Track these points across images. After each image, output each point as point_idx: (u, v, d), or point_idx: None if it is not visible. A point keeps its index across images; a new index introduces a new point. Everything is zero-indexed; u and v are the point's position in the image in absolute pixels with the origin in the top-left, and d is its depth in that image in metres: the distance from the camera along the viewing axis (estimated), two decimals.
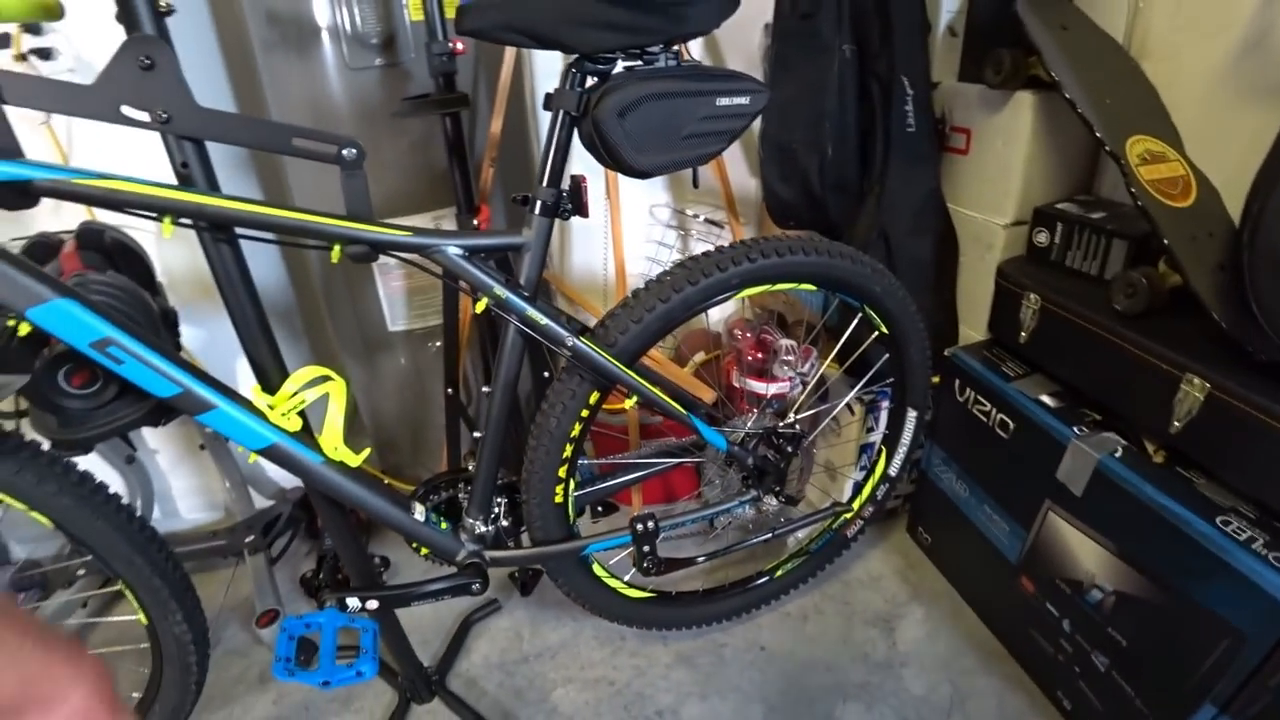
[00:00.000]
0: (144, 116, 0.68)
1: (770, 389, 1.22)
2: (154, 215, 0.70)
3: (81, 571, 1.34)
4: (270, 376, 0.83)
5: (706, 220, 1.32)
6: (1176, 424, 0.88)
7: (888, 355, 1.12)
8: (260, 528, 1.34)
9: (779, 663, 1.21)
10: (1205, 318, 0.85)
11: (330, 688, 0.88)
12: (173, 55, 0.67)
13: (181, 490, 1.51)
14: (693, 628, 1.22)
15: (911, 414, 1.17)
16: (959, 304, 1.28)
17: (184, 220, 0.71)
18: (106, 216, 1.09)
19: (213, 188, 0.74)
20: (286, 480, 1.46)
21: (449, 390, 1.23)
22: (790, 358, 1.20)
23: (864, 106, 1.17)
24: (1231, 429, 0.81)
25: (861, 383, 1.16)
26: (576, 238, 1.49)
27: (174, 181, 0.71)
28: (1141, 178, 0.92)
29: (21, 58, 1.16)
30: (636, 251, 1.38)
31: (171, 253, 1.26)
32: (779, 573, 1.24)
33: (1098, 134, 0.94)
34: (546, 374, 1.31)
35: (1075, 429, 0.98)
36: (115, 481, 1.38)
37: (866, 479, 1.24)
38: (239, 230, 0.75)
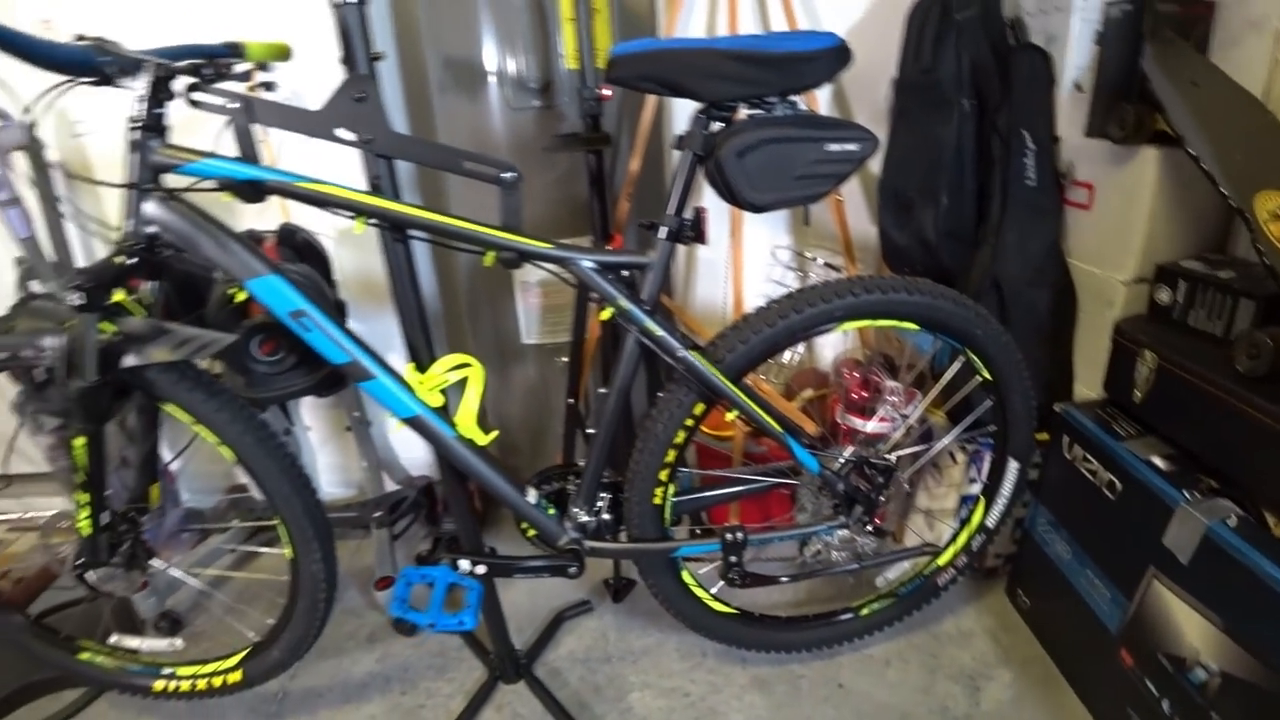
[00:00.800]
0: (352, 137, 0.87)
1: (870, 426, 1.26)
2: (351, 214, 0.88)
3: (235, 520, 1.57)
4: (422, 358, 0.99)
5: (825, 264, 1.40)
6: None
7: (990, 403, 1.14)
8: (388, 506, 1.52)
9: (854, 702, 1.22)
10: None
11: (435, 630, 1.01)
12: (379, 91, 0.86)
13: (324, 466, 1.73)
14: (772, 652, 1.26)
15: (1013, 465, 1.17)
16: (1075, 359, 1.27)
17: (372, 221, 0.89)
18: (301, 219, 1.33)
19: (396, 196, 0.91)
20: (414, 468, 1.65)
21: (570, 400, 1.36)
22: (894, 398, 1.25)
23: (982, 158, 1.22)
24: None
25: (960, 427, 1.18)
26: (701, 272, 1.61)
27: (364, 188, 0.89)
28: (1271, 234, 0.92)
29: (253, 88, 1.44)
30: (755, 289, 1.48)
31: (344, 255, 1.49)
32: (864, 611, 1.26)
33: (1222, 189, 0.94)
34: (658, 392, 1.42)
35: (1186, 493, 0.97)
36: None
37: (961, 527, 1.24)
38: (410, 231, 0.92)
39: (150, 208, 0.87)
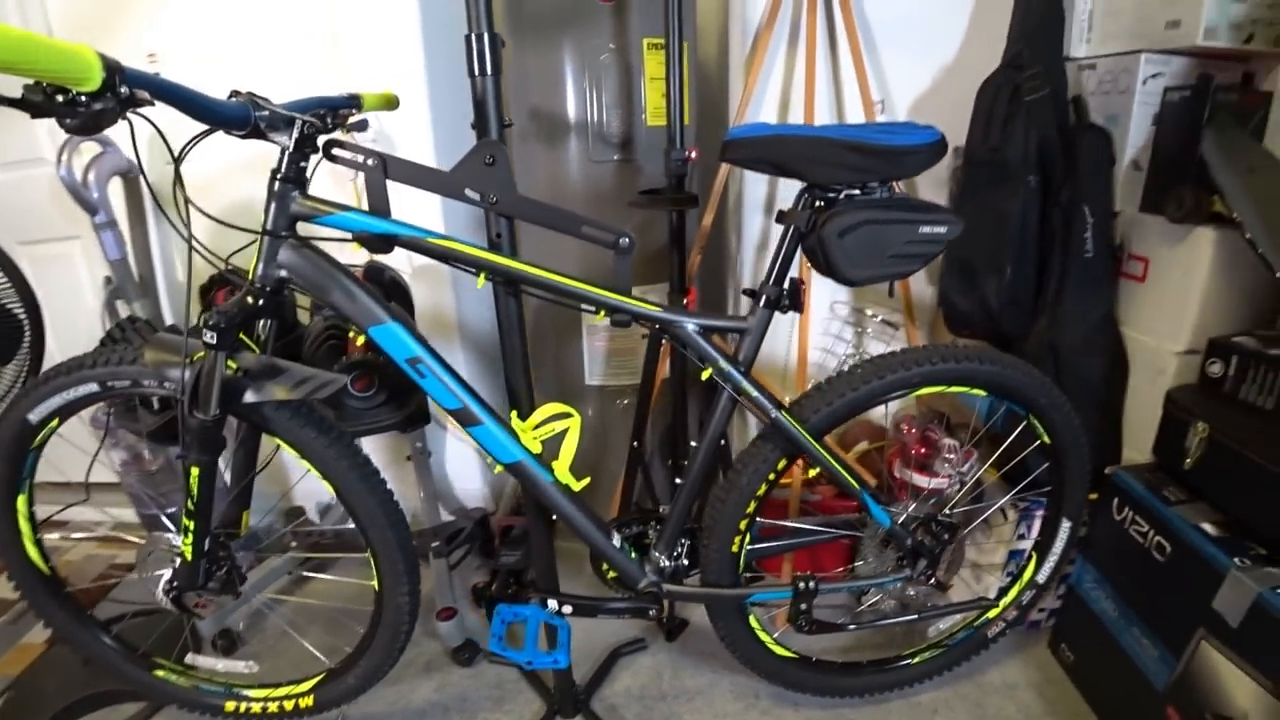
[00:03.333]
0: (477, 198, 0.95)
1: (930, 483, 1.35)
2: (473, 270, 0.97)
3: (294, 543, 1.65)
4: (523, 406, 1.08)
5: (883, 320, 1.50)
6: None
7: (1047, 465, 1.24)
8: (445, 536, 1.59)
9: None
10: None
11: (532, 667, 1.08)
12: (507, 155, 0.95)
13: None
14: (826, 696, 1.34)
15: (1065, 524, 1.27)
16: (1125, 424, 1.37)
17: (494, 277, 0.98)
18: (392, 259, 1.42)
19: (514, 253, 1.00)
20: (469, 500, 1.73)
21: (635, 443, 1.45)
22: (953, 456, 1.34)
23: (1043, 231, 1.32)
24: None
25: (1019, 487, 1.27)
26: None
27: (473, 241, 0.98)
28: None
29: (348, 130, 1.55)
30: (814, 343, 1.58)
31: (419, 293, 1.58)
32: (915, 660, 1.34)
33: (1278, 274, 1.05)
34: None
35: (1236, 559, 1.06)
36: None
37: (1013, 582, 1.33)
38: (525, 288, 1.01)
39: (286, 255, 0.96)
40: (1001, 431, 1.30)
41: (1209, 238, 1.20)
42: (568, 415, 1.04)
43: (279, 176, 0.94)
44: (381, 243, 0.96)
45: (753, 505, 1.11)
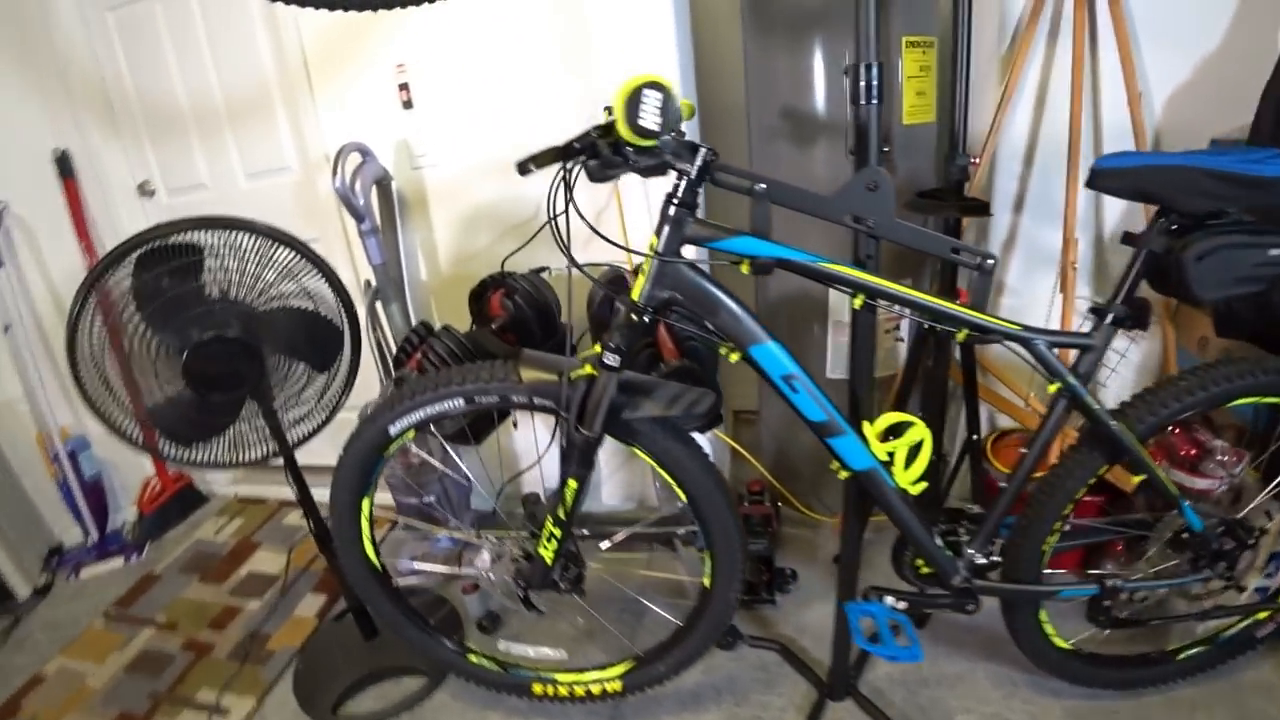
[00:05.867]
0: (856, 223, 1.04)
1: (1199, 484, 1.43)
2: (849, 290, 1.07)
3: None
4: (868, 414, 1.18)
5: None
6: None
7: None
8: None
9: None
10: None
11: (897, 660, 1.21)
12: (890, 182, 1.04)
13: (607, 479, 1.95)
14: (1092, 687, 1.44)
15: None
16: None
17: (868, 296, 1.07)
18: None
19: (878, 273, 1.09)
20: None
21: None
22: (1224, 458, 1.42)
23: None
24: None
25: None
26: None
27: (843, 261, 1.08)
28: None
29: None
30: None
31: None
32: (1180, 656, 1.43)
33: None
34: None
35: None
36: None
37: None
38: (882, 303, 1.10)
39: (676, 277, 1.05)
40: (1264, 432, 1.37)
41: None
42: (911, 424, 1.14)
43: (676, 202, 1.02)
44: (769, 266, 1.05)
45: (1070, 507, 1.21)
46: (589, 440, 1.12)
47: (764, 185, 1.03)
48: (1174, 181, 1.02)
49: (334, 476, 1.30)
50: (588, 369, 1.11)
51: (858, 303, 1.08)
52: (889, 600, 1.24)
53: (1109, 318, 1.11)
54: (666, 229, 1.04)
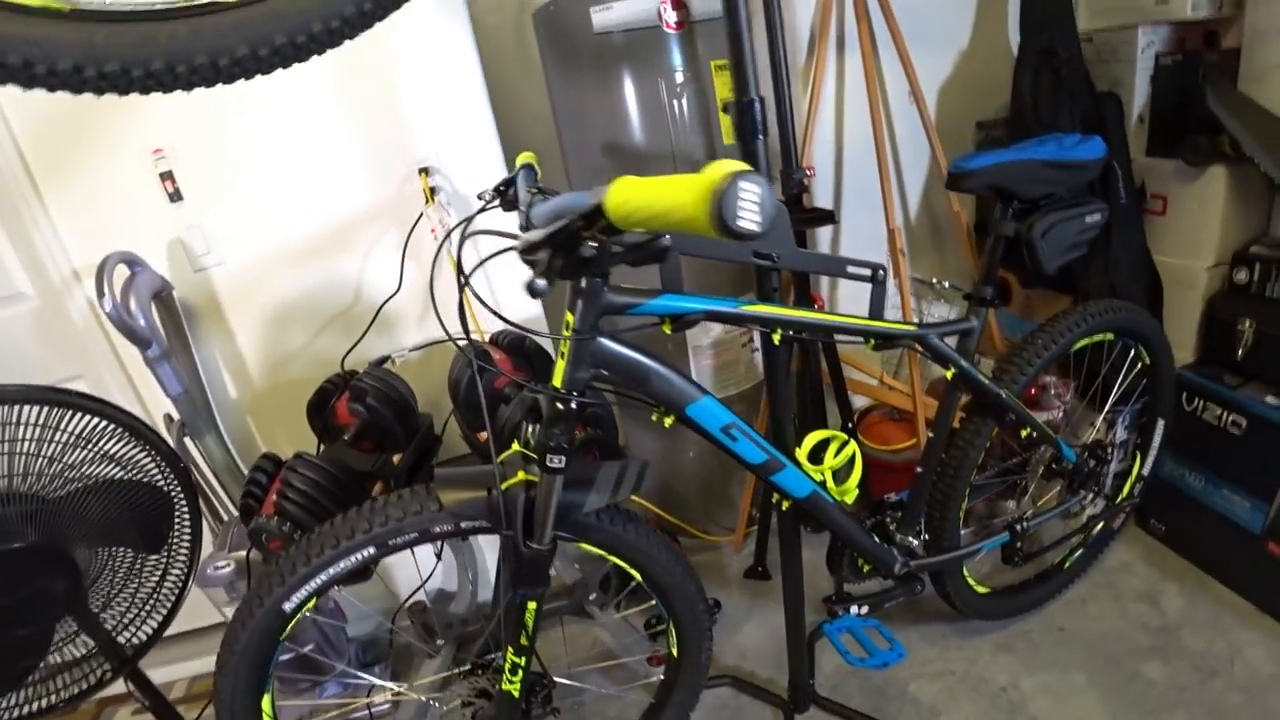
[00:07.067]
0: (760, 258, 1.04)
1: (1042, 416, 1.65)
2: (768, 329, 1.08)
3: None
4: (792, 441, 1.20)
5: (951, 285, 1.76)
6: None
7: (1146, 380, 1.56)
8: (599, 584, 1.65)
9: (1079, 639, 1.61)
10: None
11: (888, 666, 1.25)
12: (786, 212, 1.06)
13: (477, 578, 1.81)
14: (1011, 617, 1.61)
15: (1160, 423, 1.61)
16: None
17: (785, 329, 1.08)
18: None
19: (784, 303, 1.11)
20: None
21: None
22: (1057, 391, 1.64)
23: (1090, 188, 1.64)
24: None
25: (1133, 401, 1.59)
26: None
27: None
28: None
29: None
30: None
31: None
32: (1067, 565, 1.65)
33: None
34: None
35: None
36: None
37: (1125, 480, 1.67)
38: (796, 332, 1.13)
39: (609, 350, 0.97)
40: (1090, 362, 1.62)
41: (1221, 173, 1.57)
42: (833, 439, 1.18)
43: (592, 272, 0.91)
44: (694, 321, 1.01)
45: (975, 474, 1.33)
46: (541, 554, 1.01)
47: (668, 236, 0.99)
48: (1019, 174, 1.15)
49: (217, 682, 1.05)
50: (521, 476, 1.00)
51: (778, 338, 1.09)
52: (854, 610, 1.28)
53: (980, 300, 1.22)
54: (581, 303, 0.94)
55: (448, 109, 1.56)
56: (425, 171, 1.55)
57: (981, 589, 1.53)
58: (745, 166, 0.54)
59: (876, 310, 1.15)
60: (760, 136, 1.03)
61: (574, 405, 0.96)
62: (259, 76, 0.59)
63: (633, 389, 1.02)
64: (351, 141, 1.54)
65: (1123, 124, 1.67)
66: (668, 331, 1.03)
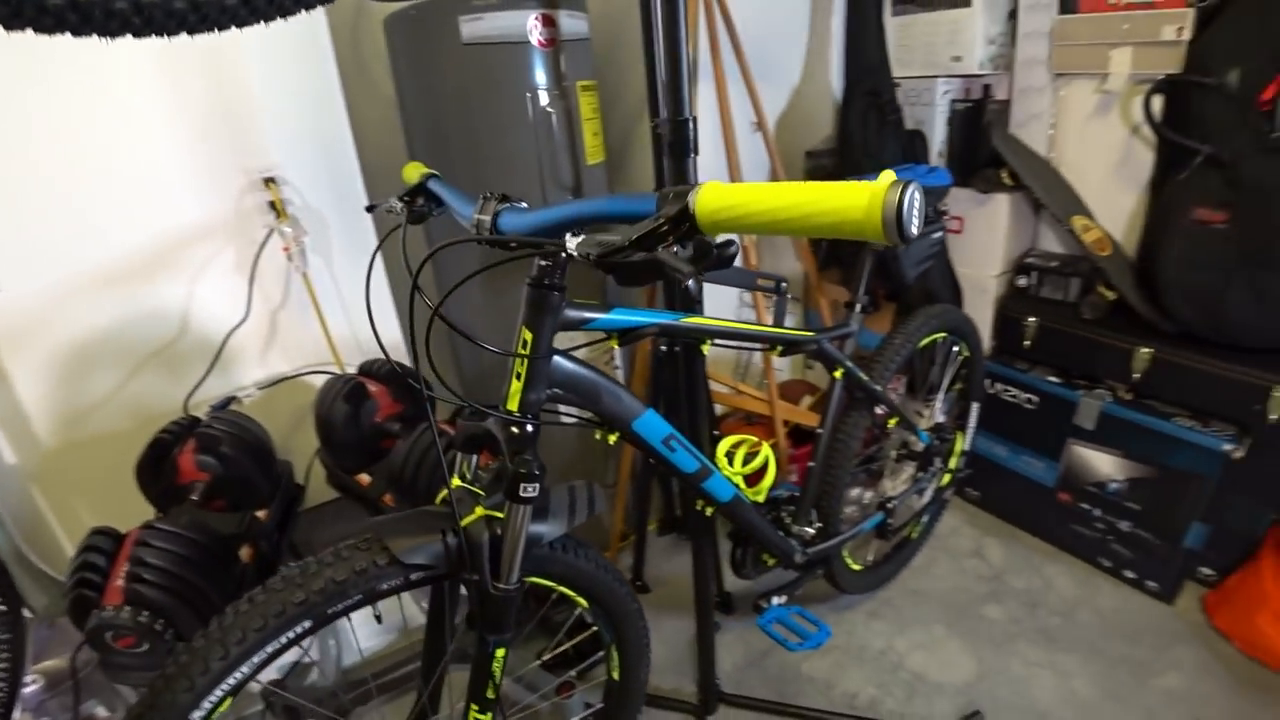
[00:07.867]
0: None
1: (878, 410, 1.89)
2: (699, 339, 1.16)
3: None
4: (708, 448, 1.29)
5: (793, 298, 1.97)
6: (1135, 375, 1.73)
7: (964, 370, 1.86)
8: None
9: (930, 597, 1.87)
10: (1133, 314, 1.72)
11: (820, 646, 1.34)
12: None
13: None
14: (877, 589, 1.82)
15: (975, 405, 1.93)
16: None
17: (711, 339, 1.17)
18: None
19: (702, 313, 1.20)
20: None
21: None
22: (893, 385, 1.89)
23: None
24: (1166, 372, 1.67)
25: (954, 389, 1.88)
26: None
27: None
28: (1085, 240, 1.79)
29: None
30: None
31: None
32: (914, 534, 1.90)
33: (1059, 219, 1.79)
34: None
35: (1079, 393, 1.81)
36: None
37: (949, 458, 1.96)
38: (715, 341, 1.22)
39: (564, 368, 0.96)
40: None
41: (1004, 200, 1.93)
42: (744, 442, 1.29)
43: (549, 287, 0.87)
44: (645, 335, 1.05)
45: (855, 461, 1.51)
46: (510, 594, 0.95)
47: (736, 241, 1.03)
48: None
49: None
50: (480, 511, 0.96)
51: (706, 348, 1.17)
52: (776, 600, 1.38)
53: (857, 308, 1.40)
54: (544, 320, 0.89)
55: (297, 110, 1.46)
56: (272, 181, 1.45)
57: (856, 566, 1.73)
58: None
59: (779, 319, 1.27)
60: (691, 155, 1.11)
61: (530, 429, 0.93)
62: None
63: (585, 407, 1.03)
64: (175, 143, 1.36)
65: (928, 157, 1.98)
66: (615, 347, 1.06)
